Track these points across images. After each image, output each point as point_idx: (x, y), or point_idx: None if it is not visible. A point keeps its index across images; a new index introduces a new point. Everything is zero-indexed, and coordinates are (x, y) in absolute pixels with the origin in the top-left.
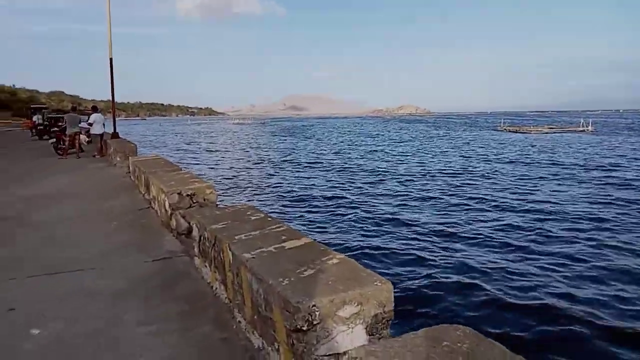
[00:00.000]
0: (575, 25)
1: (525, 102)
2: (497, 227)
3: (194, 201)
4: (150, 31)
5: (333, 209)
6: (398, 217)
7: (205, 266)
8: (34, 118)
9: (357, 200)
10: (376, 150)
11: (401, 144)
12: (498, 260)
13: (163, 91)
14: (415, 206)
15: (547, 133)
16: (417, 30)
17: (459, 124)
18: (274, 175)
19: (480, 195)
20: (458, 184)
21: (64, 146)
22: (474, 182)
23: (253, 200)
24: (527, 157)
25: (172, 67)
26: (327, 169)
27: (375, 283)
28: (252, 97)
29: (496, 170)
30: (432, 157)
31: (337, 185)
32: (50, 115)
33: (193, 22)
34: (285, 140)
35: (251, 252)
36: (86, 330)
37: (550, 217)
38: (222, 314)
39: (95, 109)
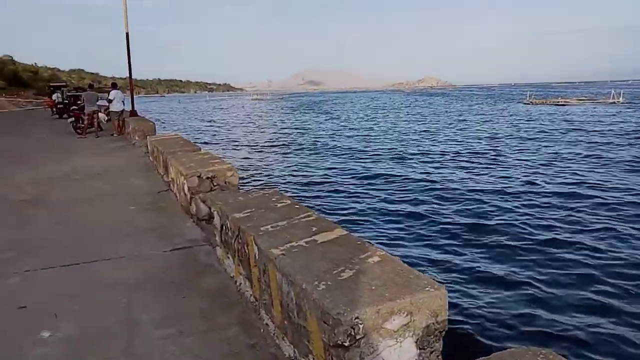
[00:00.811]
0: None
1: (550, 73)
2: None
3: (215, 184)
4: (165, 2)
5: (354, 194)
6: (428, 204)
7: (228, 258)
8: (54, 97)
9: (380, 186)
10: (396, 128)
11: (426, 120)
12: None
13: (181, 68)
14: (450, 191)
15: (575, 105)
16: (434, 1)
17: (482, 96)
18: (293, 155)
19: (522, 181)
20: (494, 168)
21: (82, 125)
22: (509, 165)
23: (272, 179)
24: (561, 133)
25: (189, 42)
26: (346, 150)
27: (427, 288)
28: (270, 72)
29: (529, 150)
30: (461, 136)
31: (357, 167)
32: (69, 94)
33: None
34: (305, 116)
35: (280, 247)
36: (99, 334)
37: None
38: (247, 314)
39: (114, 86)
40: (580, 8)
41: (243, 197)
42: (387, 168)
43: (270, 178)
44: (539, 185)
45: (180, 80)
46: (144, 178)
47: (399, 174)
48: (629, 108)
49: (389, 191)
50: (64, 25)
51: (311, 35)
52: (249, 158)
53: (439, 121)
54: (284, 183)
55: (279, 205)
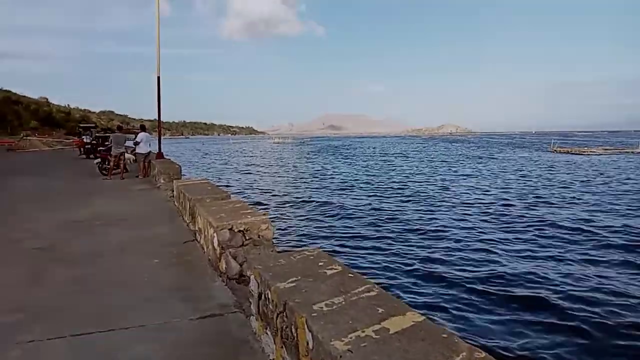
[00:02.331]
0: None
1: (571, 122)
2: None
3: (247, 238)
4: (194, 52)
5: (384, 244)
6: (472, 257)
7: (267, 334)
8: (83, 137)
9: (410, 237)
10: (420, 174)
11: (457, 167)
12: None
13: (206, 110)
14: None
15: (602, 155)
16: (456, 48)
17: (504, 144)
18: (318, 197)
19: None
20: (536, 216)
21: (108, 166)
22: (554, 212)
23: (300, 229)
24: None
25: (214, 87)
26: (371, 193)
27: None
28: (291, 116)
29: (573, 197)
30: (495, 184)
31: (384, 217)
32: (97, 135)
33: (235, 43)
34: (325, 159)
35: (343, 339)
36: None
37: None
38: None
39: (142, 128)
40: (602, 58)
41: (284, 259)
42: (424, 219)
43: (299, 228)
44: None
45: (205, 123)
46: (169, 225)
47: (440, 227)
48: None
49: (428, 247)
50: (96, 69)
51: (332, 81)
52: (269, 198)
53: (473, 168)
54: (316, 236)
55: (328, 272)
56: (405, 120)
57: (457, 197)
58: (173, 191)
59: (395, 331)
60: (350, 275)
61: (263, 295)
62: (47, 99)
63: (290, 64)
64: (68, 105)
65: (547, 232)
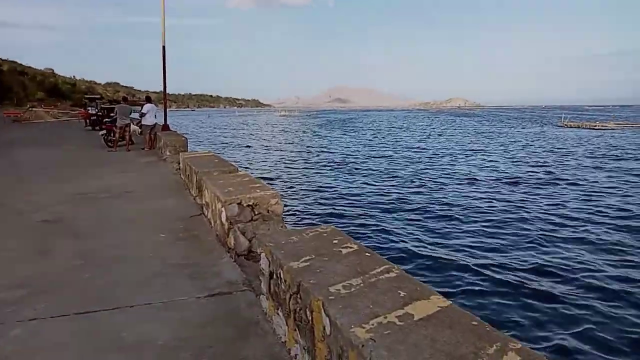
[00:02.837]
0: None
1: (581, 96)
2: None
3: (256, 213)
4: (200, 22)
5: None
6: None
7: (278, 314)
8: (89, 108)
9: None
10: (428, 149)
11: (469, 142)
12: None
13: (211, 83)
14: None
15: (614, 129)
16: (465, 20)
17: (514, 118)
18: (323, 174)
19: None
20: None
21: (114, 138)
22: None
23: (310, 205)
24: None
25: (220, 58)
26: (375, 171)
27: None
28: (298, 88)
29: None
30: (505, 159)
31: (390, 191)
32: (103, 106)
33: (242, 13)
34: (332, 134)
35: (364, 326)
36: None
37: None
38: None
39: (148, 99)
40: (613, 31)
41: (297, 236)
42: (433, 196)
43: (307, 204)
44: None
45: (211, 95)
46: (175, 199)
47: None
48: None
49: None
50: (103, 41)
51: (340, 53)
52: (273, 173)
53: (482, 143)
54: (323, 213)
55: (344, 251)
56: (412, 94)
57: (467, 175)
58: (179, 164)
59: (420, 317)
60: (367, 254)
61: (275, 275)
62: (52, 70)
63: (298, 35)
64: (74, 76)
65: (565, 214)
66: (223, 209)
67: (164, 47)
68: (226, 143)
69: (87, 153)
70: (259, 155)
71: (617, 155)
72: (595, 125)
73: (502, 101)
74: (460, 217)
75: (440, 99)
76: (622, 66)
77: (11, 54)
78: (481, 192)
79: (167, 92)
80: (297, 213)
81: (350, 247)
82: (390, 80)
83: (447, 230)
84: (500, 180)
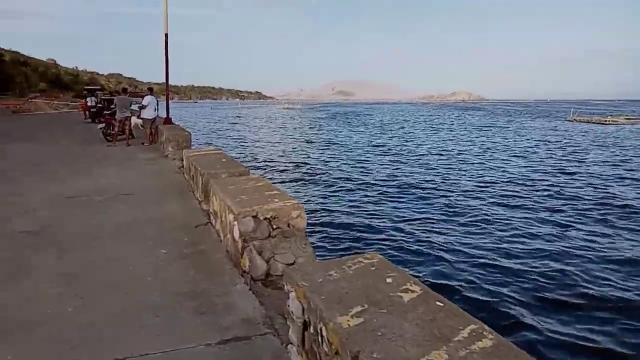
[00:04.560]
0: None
1: (585, 90)
2: None
3: (274, 227)
4: (203, 12)
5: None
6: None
7: None
8: (88, 100)
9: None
10: (438, 146)
11: (473, 136)
12: None
13: (214, 75)
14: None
15: (625, 124)
16: (470, 13)
17: (520, 112)
18: (331, 171)
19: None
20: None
21: (113, 132)
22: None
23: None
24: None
25: (223, 50)
26: (388, 168)
27: None
28: (301, 81)
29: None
30: (517, 158)
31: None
32: (103, 97)
33: (245, 4)
34: (340, 127)
35: None
36: None
37: None
38: None
39: (151, 91)
40: (619, 27)
41: (337, 271)
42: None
43: (325, 206)
44: None
45: (213, 87)
46: (178, 203)
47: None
48: None
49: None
50: (105, 32)
51: (343, 46)
52: (290, 181)
53: (489, 136)
54: (348, 220)
55: (405, 296)
56: (416, 87)
57: (478, 173)
58: (182, 161)
59: None
60: (438, 303)
61: (312, 328)
62: (55, 61)
63: (301, 28)
64: (76, 67)
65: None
66: (236, 222)
67: (166, 35)
68: (230, 136)
69: (84, 148)
70: (263, 151)
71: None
72: (606, 120)
73: (506, 95)
74: (474, 214)
75: (444, 93)
76: (628, 61)
77: (13, 44)
78: (493, 193)
79: (170, 83)
80: (314, 222)
81: (413, 290)
82: (393, 73)
83: (465, 228)
84: (514, 180)
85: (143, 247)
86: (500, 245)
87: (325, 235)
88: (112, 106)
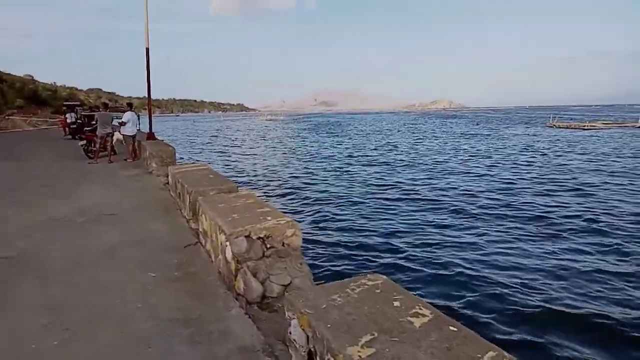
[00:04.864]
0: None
1: (563, 96)
2: None
3: (268, 246)
4: (183, 28)
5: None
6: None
7: None
8: (67, 116)
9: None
10: (425, 155)
11: (464, 145)
12: None
13: (196, 88)
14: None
15: (602, 129)
16: (448, 22)
17: (501, 119)
18: (312, 183)
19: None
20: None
21: (94, 148)
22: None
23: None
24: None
25: (205, 64)
26: (373, 176)
27: None
28: (283, 92)
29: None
30: (509, 166)
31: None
32: (83, 114)
33: (225, 18)
34: (322, 138)
35: None
36: None
37: None
38: None
39: (130, 106)
40: (591, 33)
41: (340, 295)
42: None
43: (315, 224)
44: None
45: (195, 100)
46: (165, 221)
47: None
48: None
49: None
50: (84, 47)
51: (324, 57)
52: (275, 194)
53: (476, 146)
54: (340, 233)
55: (415, 321)
56: (397, 96)
57: (468, 182)
58: (167, 177)
59: None
60: (451, 328)
61: (319, 359)
62: (32, 77)
63: (281, 40)
64: (54, 83)
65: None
66: (228, 243)
67: (147, 50)
68: (214, 149)
69: (65, 166)
70: (248, 164)
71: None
72: (585, 126)
73: (486, 102)
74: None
75: (425, 101)
76: (604, 67)
77: None
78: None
79: (151, 96)
80: (305, 239)
81: (423, 314)
82: (374, 82)
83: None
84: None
85: (130, 270)
86: (504, 259)
87: (317, 253)
88: (93, 122)
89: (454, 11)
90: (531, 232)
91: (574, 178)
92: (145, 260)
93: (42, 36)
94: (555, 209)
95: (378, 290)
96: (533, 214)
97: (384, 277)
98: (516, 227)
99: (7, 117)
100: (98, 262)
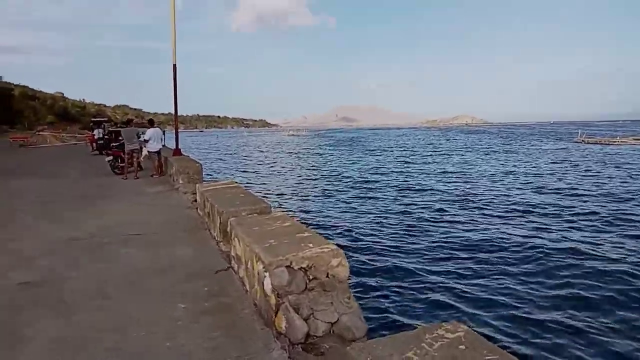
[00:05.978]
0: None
1: (586, 111)
2: None
3: (311, 278)
4: (206, 46)
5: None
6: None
7: None
8: (95, 132)
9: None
10: (456, 172)
11: (490, 160)
12: None
13: (219, 104)
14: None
15: (634, 145)
16: (469, 39)
17: (526, 134)
18: (341, 198)
19: None
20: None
21: (121, 164)
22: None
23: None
24: None
25: (227, 80)
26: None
27: None
28: (304, 108)
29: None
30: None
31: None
32: (111, 129)
33: (245, 36)
34: (348, 154)
35: None
36: None
37: None
38: None
39: (151, 123)
40: (617, 48)
41: (415, 351)
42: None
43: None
44: None
45: (218, 116)
46: (194, 243)
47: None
48: None
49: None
50: (111, 65)
51: (345, 73)
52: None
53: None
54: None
55: None
56: (418, 112)
57: (509, 200)
58: (195, 194)
59: None
60: None
61: None
62: (62, 94)
63: (302, 56)
64: (83, 99)
65: None
66: (267, 273)
67: (174, 66)
68: (242, 163)
69: (91, 182)
70: (277, 180)
71: None
72: (615, 141)
73: (508, 117)
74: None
75: (447, 117)
76: (629, 83)
77: (22, 79)
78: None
79: (177, 111)
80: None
81: None
82: (395, 98)
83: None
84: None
85: (157, 301)
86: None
87: (358, 282)
88: (120, 138)
89: (475, 28)
90: None
91: None
92: (174, 288)
93: (72, 53)
94: None
95: (462, 347)
96: None
97: (465, 327)
98: None
99: (38, 133)
100: (122, 291)
